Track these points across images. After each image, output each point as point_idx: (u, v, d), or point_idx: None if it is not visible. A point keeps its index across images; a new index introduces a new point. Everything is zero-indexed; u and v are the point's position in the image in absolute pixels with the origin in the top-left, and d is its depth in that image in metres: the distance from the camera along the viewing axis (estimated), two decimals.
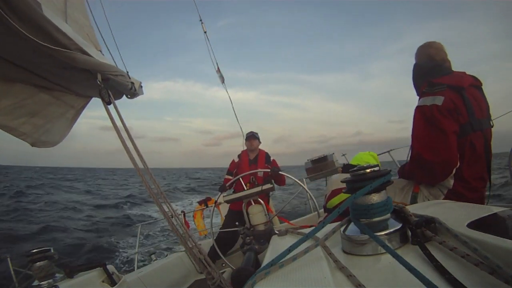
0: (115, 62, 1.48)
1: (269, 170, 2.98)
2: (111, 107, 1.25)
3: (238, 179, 2.86)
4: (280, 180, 3.24)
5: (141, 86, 1.65)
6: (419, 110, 1.41)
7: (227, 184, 3.07)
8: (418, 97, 1.49)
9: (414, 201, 1.42)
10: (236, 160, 3.59)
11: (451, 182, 1.39)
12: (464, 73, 1.49)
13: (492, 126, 1.47)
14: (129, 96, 1.59)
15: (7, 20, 0.82)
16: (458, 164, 1.35)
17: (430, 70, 1.50)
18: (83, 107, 1.66)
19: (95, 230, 9.42)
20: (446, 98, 1.34)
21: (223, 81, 4.38)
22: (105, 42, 1.60)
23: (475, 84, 1.48)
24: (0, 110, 1.29)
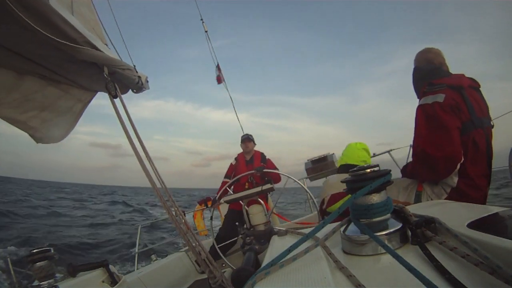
0: (119, 57, 1.47)
1: (253, 171, 2.97)
2: (117, 101, 1.24)
3: (229, 188, 2.89)
4: (274, 178, 3.26)
5: (147, 81, 1.64)
6: (421, 108, 1.42)
7: (217, 197, 3.08)
8: (418, 100, 1.51)
9: (418, 199, 1.43)
10: (234, 163, 3.67)
11: (455, 180, 1.39)
12: (463, 75, 1.51)
13: (492, 126, 1.48)
14: (135, 91, 1.58)
15: (14, 11, 0.82)
16: (462, 159, 1.35)
17: (429, 72, 1.52)
18: (89, 101, 1.64)
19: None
20: (447, 96, 1.36)
21: (223, 80, 4.39)
22: (109, 38, 1.59)
23: (474, 85, 1.50)
24: (10, 103, 1.28)
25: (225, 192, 3.03)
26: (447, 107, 1.34)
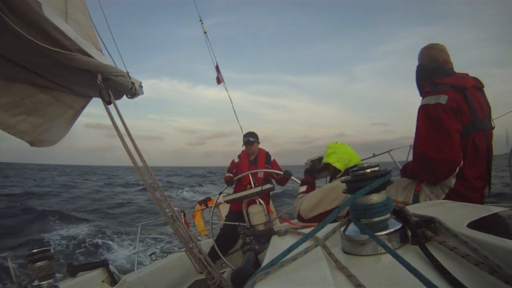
0: (114, 62, 1.48)
1: (281, 172, 2.95)
2: (111, 107, 1.25)
3: (248, 174, 2.86)
4: (282, 180, 3.22)
5: (141, 86, 1.64)
6: (423, 109, 1.42)
7: (235, 178, 3.01)
8: (421, 98, 1.50)
9: (416, 199, 1.43)
10: (236, 160, 3.52)
11: (452, 181, 1.39)
12: (467, 74, 1.50)
13: (493, 128, 1.48)
14: (129, 96, 1.59)
15: (7, 21, 0.82)
16: (462, 163, 1.35)
17: (433, 71, 1.51)
18: (82, 107, 1.65)
19: None
20: (449, 97, 1.35)
21: (222, 80, 4.39)
22: (103, 43, 1.59)
23: (477, 85, 1.49)
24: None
25: (245, 176, 2.98)
26: (449, 110, 1.34)
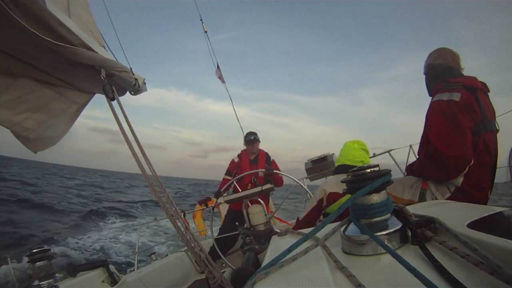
0: (116, 59, 1.47)
1: (263, 170, 2.92)
2: (114, 103, 1.24)
3: (233, 183, 2.80)
4: (277, 180, 3.19)
5: (145, 83, 1.64)
6: (436, 104, 1.41)
7: (222, 189, 2.99)
8: (430, 97, 1.51)
9: (422, 197, 1.42)
10: (236, 160, 3.50)
11: (460, 180, 1.38)
12: (475, 78, 1.51)
13: (498, 130, 1.49)
14: (132, 93, 1.58)
15: (10, 14, 0.81)
16: (472, 161, 1.33)
17: (444, 70, 1.52)
18: (85, 104, 1.64)
19: None
20: (462, 95, 1.35)
21: (223, 81, 4.39)
22: (104, 40, 1.59)
23: (484, 89, 1.51)
24: (3, 104, 1.28)
25: (229, 186, 2.91)
26: (463, 107, 1.33)
